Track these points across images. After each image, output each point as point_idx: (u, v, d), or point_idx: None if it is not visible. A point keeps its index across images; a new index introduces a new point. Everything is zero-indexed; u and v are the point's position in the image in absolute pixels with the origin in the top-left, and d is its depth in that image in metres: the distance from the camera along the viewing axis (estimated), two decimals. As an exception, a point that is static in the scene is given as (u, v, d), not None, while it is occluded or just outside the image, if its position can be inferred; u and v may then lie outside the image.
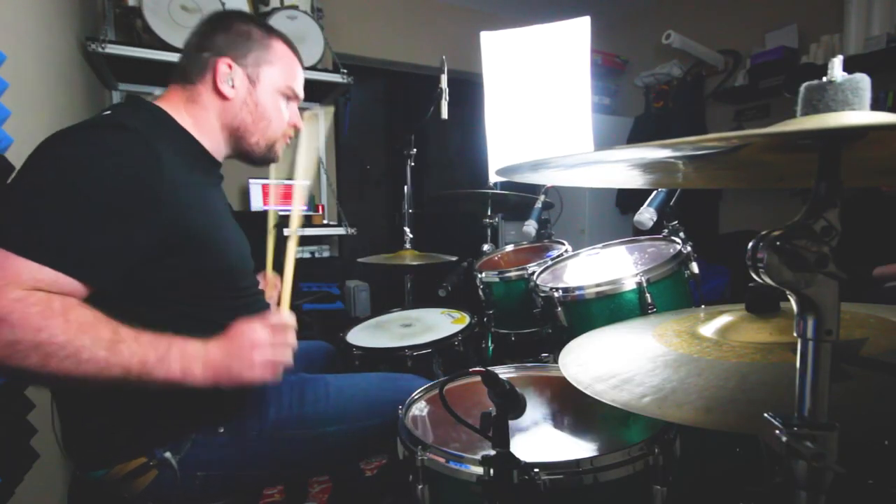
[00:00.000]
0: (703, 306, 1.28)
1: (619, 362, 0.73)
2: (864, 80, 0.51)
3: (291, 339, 0.88)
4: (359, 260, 2.02)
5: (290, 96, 1.07)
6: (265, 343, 0.84)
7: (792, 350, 0.61)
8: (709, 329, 0.76)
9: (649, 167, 0.59)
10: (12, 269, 0.71)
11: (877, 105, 2.71)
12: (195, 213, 0.89)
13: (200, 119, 1.00)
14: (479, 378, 0.69)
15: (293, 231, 1.01)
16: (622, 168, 0.59)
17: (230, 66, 0.99)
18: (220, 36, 1.00)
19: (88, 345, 0.73)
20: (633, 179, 0.68)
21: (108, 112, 0.92)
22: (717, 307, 0.89)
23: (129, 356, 0.76)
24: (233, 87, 1.00)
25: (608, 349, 0.81)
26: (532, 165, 0.54)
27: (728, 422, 0.54)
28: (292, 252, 1.00)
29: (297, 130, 1.12)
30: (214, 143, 1.02)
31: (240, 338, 0.84)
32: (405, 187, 2.15)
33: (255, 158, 1.08)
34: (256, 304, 1.07)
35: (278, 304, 0.98)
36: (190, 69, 1.00)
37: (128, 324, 0.78)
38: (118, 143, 0.82)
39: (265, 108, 1.03)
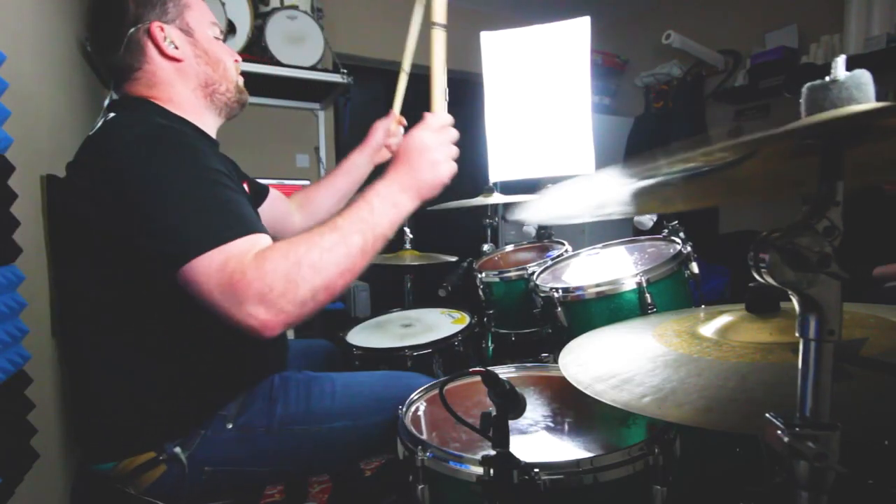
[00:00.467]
0: (703, 306, 1.28)
1: (619, 362, 0.73)
2: (865, 76, 0.51)
3: (454, 133, 0.97)
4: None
5: (218, 35, 1.05)
6: (436, 144, 0.92)
7: (792, 350, 0.61)
8: (709, 329, 0.76)
9: (647, 193, 0.58)
10: (234, 253, 0.77)
11: (877, 105, 2.71)
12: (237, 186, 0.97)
13: (174, 97, 0.99)
14: (479, 378, 0.69)
15: (439, 19, 1.10)
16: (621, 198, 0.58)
17: (162, 28, 0.96)
18: (131, 6, 0.96)
19: (318, 239, 0.81)
20: (634, 207, 0.67)
21: (114, 114, 0.92)
22: (717, 307, 0.88)
23: (351, 224, 0.83)
24: (177, 47, 0.97)
25: (608, 349, 0.81)
26: (539, 207, 0.54)
27: (728, 422, 0.54)
28: (441, 46, 1.09)
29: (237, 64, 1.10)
30: (200, 116, 1.02)
31: (415, 151, 0.91)
32: (405, 187, 2.15)
33: (233, 108, 1.08)
34: None
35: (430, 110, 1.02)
36: (127, 57, 0.97)
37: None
38: (178, 135, 0.88)
39: (214, 51, 1.02)
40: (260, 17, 2.83)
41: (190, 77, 1.00)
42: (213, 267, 0.76)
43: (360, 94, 4.58)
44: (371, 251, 0.84)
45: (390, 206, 0.87)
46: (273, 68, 2.81)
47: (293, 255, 0.78)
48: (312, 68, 2.92)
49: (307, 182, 3.32)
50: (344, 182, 1.51)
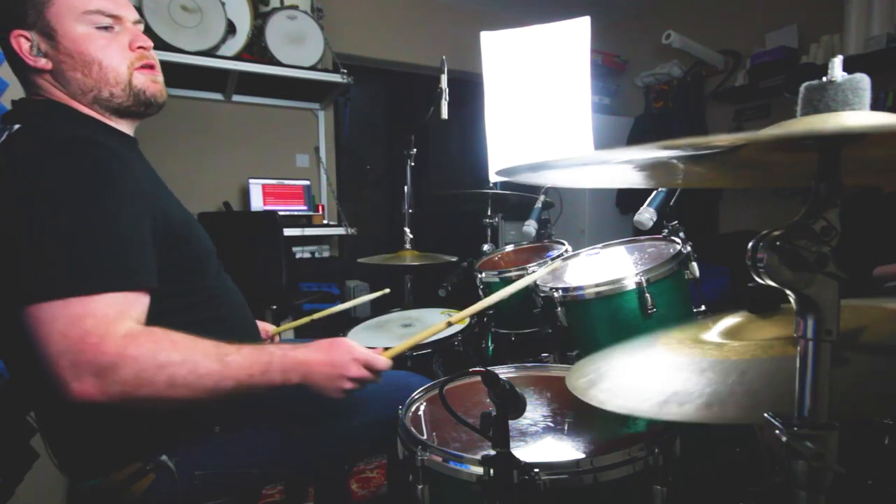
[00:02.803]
0: (703, 306, 1.29)
1: (625, 375, 0.73)
2: (864, 80, 0.51)
3: (373, 380, 0.91)
4: (359, 260, 2.02)
5: (101, 23, 0.88)
6: (357, 378, 0.88)
7: (793, 343, 0.61)
8: (712, 333, 0.76)
9: (649, 168, 0.59)
10: (101, 312, 0.73)
11: (876, 105, 2.71)
12: (159, 195, 0.90)
13: (71, 102, 0.90)
14: (479, 378, 0.69)
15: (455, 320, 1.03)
16: (621, 169, 0.59)
17: (26, 37, 0.85)
18: None
19: (201, 359, 0.77)
20: (633, 180, 0.68)
21: (19, 126, 0.83)
22: (718, 315, 0.88)
23: (238, 368, 0.79)
24: (44, 55, 0.86)
25: (615, 366, 0.80)
26: (531, 167, 0.54)
27: (727, 415, 0.54)
28: (434, 331, 1.01)
29: (145, 49, 0.94)
30: (105, 119, 0.93)
31: (341, 367, 0.87)
32: (405, 187, 2.15)
33: (132, 110, 0.94)
34: (224, 288, 1.05)
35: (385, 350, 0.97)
36: (12, 66, 0.89)
37: None
38: (92, 151, 0.80)
39: (83, 52, 0.87)
40: (260, 17, 2.84)
41: (65, 85, 0.89)
42: (63, 316, 0.71)
43: (360, 94, 4.59)
44: (230, 396, 0.80)
45: (281, 378, 0.83)
46: (273, 68, 2.81)
47: (164, 356, 0.74)
48: (312, 68, 2.93)
49: (307, 182, 3.32)
50: None
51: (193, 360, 0.77)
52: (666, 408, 0.58)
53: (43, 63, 0.87)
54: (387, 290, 1.59)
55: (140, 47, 0.92)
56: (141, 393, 0.73)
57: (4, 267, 0.75)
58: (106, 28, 0.89)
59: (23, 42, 0.86)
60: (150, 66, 0.94)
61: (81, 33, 0.87)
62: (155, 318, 0.82)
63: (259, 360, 0.82)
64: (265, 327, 1.33)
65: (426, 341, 1.41)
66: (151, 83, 0.94)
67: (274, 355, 0.83)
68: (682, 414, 0.57)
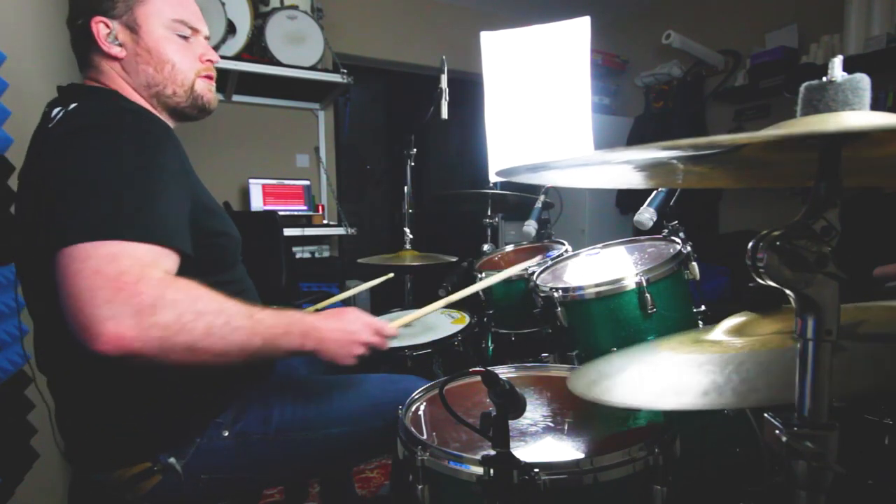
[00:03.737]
0: (703, 306, 1.28)
1: (627, 375, 0.74)
2: (864, 80, 0.51)
3: (385, 346, 0.96)
4: (359, 260, 2.02)
5: (182, 32, 0.98)
6: (368, 342, 0.92)
7: (789, 335, 0.61)
8: (713, 335, 0.77)
9: (649, 168, 0.59)
10: (137, 255, 0.72)
11: (876, 105, 2.71)
12: (195, 182, 0.94)
13: (125, 91, 0.96)
14: (479, 378, 0.69)
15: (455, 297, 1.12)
16: (621, 169, 0.59)
17: (107, 24, 0.92)
18: (79, 0, 0.93)
19: (234, 312, 0.78)
20: (633, 180, 0.68)
21: (76, 104, 0.86)
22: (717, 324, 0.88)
23: (265, 327, 0.81)
24: (120, 44, 0.93)
25: (617, 369, 0.81)
26: (531, 167, 0.54)
27: (722, 401, 0.55)
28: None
29: (212, 63, 1.03)
30: (153, 110, 0.98)
31: (353, 332, 0.90)
32: (405, 187, 2.15)
33: (186, 112, 1.02)
34: (244, 280, 1.07)
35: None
36: (79, 48, 0.95)
37: None
38: (147, 122, 0.85)
39: (161, 51, 0.95)
40: (260, 17, 2.83)
41: (132, 76, 0.95)
42: (99, 254, 0.69)
43: (360, 94, 4.59)
44: (252, 357, 0.80)
45: (299, 342, 0.85)
46: (273, 68, 2.81)
47: (202, 304, 0.74)
48: (312, 68, 2.92)
49: (307, 182, 3.32)
50: None
51: (228, 311, 0.77)
52: (663, 398, 0.59)
53: (117, 51, 0.93)
54: (391, 275, 1.59)
55: (209, 60, 1.02)
56: (178, 340, 0.71)
57: (41, 220, 0.76)
58: (184, 37, 0.98)
59: (101, 28, 0.92)
60: (211, 77, 1.04)
61: (163, 35, 0.95)
62: None
63: (282, 322, 0.83)
64: None
65: (424, 340, 1.42)
66: (208, 91, 1.03)
67: (293, 318, 0.85)
68: (680, 403, 0.58)
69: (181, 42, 0.97)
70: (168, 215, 0.79)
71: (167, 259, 0.76)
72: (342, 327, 0.90)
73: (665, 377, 0.64)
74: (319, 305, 1.44)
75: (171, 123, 1.02)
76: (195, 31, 0.99)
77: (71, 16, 0.95)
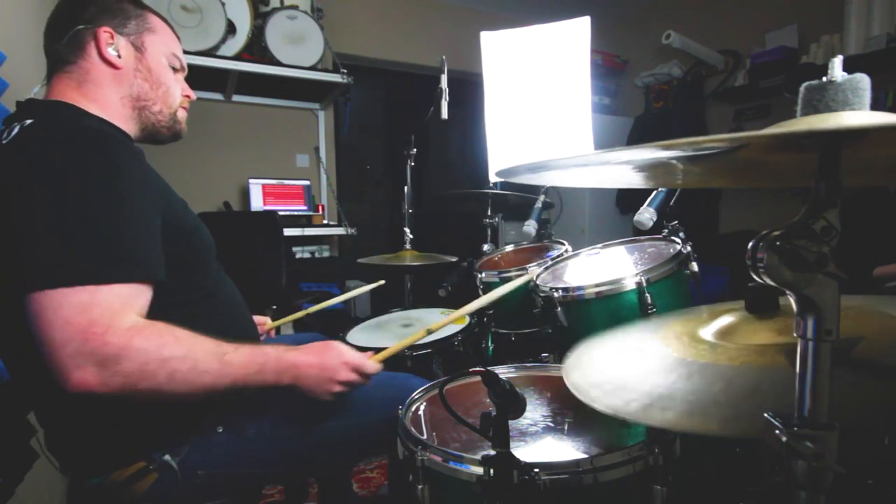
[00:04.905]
0: (703, 306, 1.28)
1: (617, 368, 0.73)
2: (864, 80, 0.51)
3: (362, 383, 0.95)
4: (359, 260, 2.02)
5: (177, 67, 1.07)
6: (347, 382, 0.91)
7: (784, 352, 0.61)
8: (709, 330, 0.76)
9: (649, 168, 0.59)
10: (106, 302, 0.73)
11: (876, 105, 2.71)
12: (163, 192, 0.94)
13: (99, 98, 0.96)
14: (479, 378, 0.69)
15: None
16: (621, 169, 0.59)
17: (112, 35, 0.96)
18: (91, 7, 0.96)
19: (202, 356, 0.79)
20: (633, 180, 0.68)
21: (31, 121, 0.84)
22: (721, 305, 0.88)
23: (236, 368, 0.82)
24: (119, 56, 0.97)
25: (610, 354, 0.81)
26: (531, 167, 0.54)
27: (707, 426, 0.54)
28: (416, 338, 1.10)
29: (189, 100, 1.11)
30: (122, 122, 0.99)
31: (331, 370, 0.90)
32: (405, 187, 2.15)
33: (161, 132, 1.06)
34: (225, 288, 1.07)
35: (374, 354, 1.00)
36: (65, 49, 0.95)
37: None
38: (110, 144, 0.83)
39: (159, 74, 1.02)
40: (260, 17, 2.84)
41: (123, 86, 0.98)
42: (69, 304, 0.71)
43: (360, 94, 4.59)
44: (216, 393, 0.82)
45: (274, 378, 0.86)
46: (273, 68, 2.81)
47: (168, 351, 0.76)
48: (312, 68, 2.92)
49: (307, 182, 3.32)
50: None
51: (195, 356, 0.78)
52: (649, 412, 0.59)
53: (116, 61, 0.97)
54: (382, 282, 1.60)
55: (186, 96, 1.11)
56: (141, 386, 0.74)
57: (10, 257, 0.75)
58: (175, 70, 1.07)
59: (105, 37, 0.95)
60: (186, 109, 1.12)
61: (163, 63, 1.03)
62: (155, 312, 0.82)
63: (255, 361, 0.84)
64: (262, 321, 1.37)
65: (423, 341, 1.42)
66: (183, 121, 1.11)
67: (269, 356, 0.86)
68: (664, 420, 0.57)
69: (173, 76, 1.06)
70: (139, 246, 0.80)
71: (139, 297, 0.78)
72: (321, 364, 0.89)
73: (654, 385, 0.64)
74: (320, 306, 1.44)
75: (137, 140, 1.04)
76: (182, 69, 1.09)
77: (70, 19, 0.95)
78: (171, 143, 1.10)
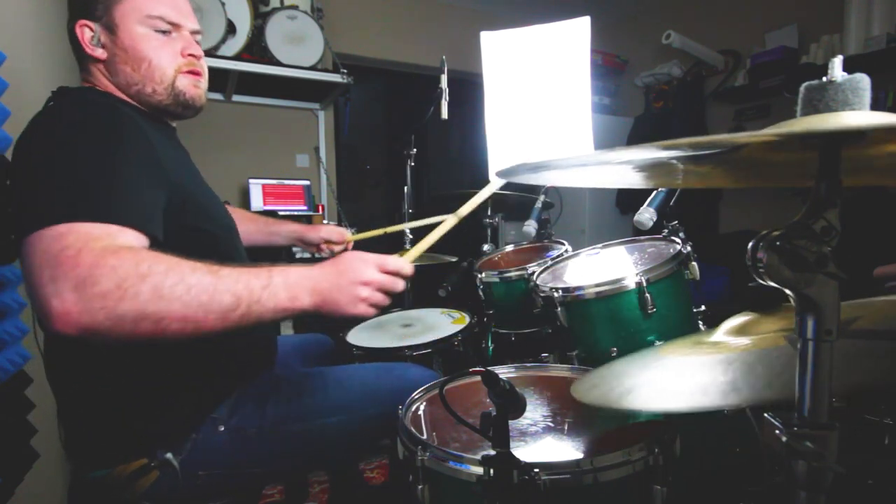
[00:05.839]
0: (703, 306, 1.28)
1: (628, 380, 0.75)
2: (864, 80, 0.51)
3: (399, 285, 0.87)
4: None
5: (160, 28, 0.95)
6: (373, 282, 0.83)
7: (785, 334, 0.61)
8: (713, 337, 0.77)
9: (649, 168, 0.59)
10: (83, 231, 0.70)
11: (877, 105, 2.71)
12: (181, 173, 0.93)
13: (110, 88, 0.97)
14: (479, 378, 0.69)
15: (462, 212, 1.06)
16: (621, 169, 0.59)
17: (90, 27, 0.93)
18: (70, 3, 0.95)
19: (188, 270, 0.72)
20: (633, 180, 0.68)
21: (52, 103, 0.89)
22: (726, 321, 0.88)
23: (234, 281, 0.74)
24: (102, 46, 0.93)
25: (619, 374, 0.81)
26: (531, 167, 0.54)
27: (707, 400, 0.56)
28: (445, 228, 1.04)
29: (195, 58, 1.00)
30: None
31: (349, 271, 0.82)
32: (405, 187, 2.15)
33: (170, 109, 0.99)
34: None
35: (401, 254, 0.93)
36: (74, 51, 0.96)
37: None
38: (108, 111, 0.85)
39: (137, 49, 0.93)
40: (260, 17, 2.83)
41: (114, 77, 0.96)
42: (48, 235, 0.68)
43: (360, 94, 4.59)
44: (235, 321, 0.73)
45: (288, 296, 0.77)
46: (273, 68, 2.81)
47: (146, 266, 0.69)
48: (312, 68, 2.92)
49: (307, 182, 3.32)
50: (259, 238, 1.40)
51: (180, 270, 0.71)
52: (661, 397, 0.61)
53: (99, 53, 0.94)
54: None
55: (190, 55, 0.98)
56: (124, 307, 0.67)
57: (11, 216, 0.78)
58: (164, 32, 0.96)
59: (86, 31, 0.93)
60: (196, 73, 1.00)
61: (140, 33, 0.94)
62: None
63: (257, 274, 0.76)
64: (341, 232, 1.40)
65: (423, 340, 1.42)
66: (192, 87, 0.99)
67: (273, 271, 0.78)
68: (677, 405, 0.59)
69: (160, 38, 0.95)
70: (127, 197, 0.77)
71: (123, 236, 0.73)
72: (335, 269, 0.82)
73: (668, 378, 0.65)
74: (363, 235, 1.46)
75: (170, 122, 1.03)
76: (176, 26, 0.97)
77: (68, 19, 0.96)
78: (195, 115, 1.02)
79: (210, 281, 0.72)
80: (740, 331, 0.75)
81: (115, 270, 0.67)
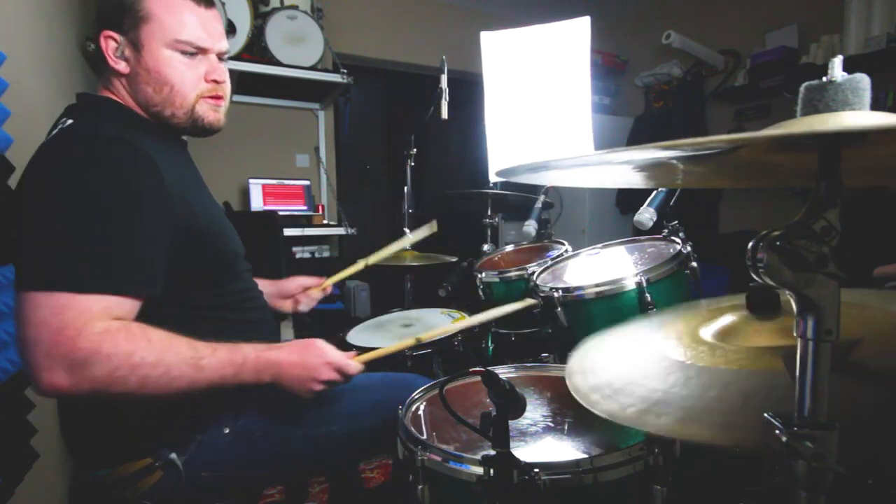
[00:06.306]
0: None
1: (617, 371, 0.73)
2: (864, 80, 0.51)
3: (341, 382, 0.94)
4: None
5: (187, 51, 0.93)
6: (323, 380, 0.90)
7: (782, 355, 0.61)
8: (710, 330, 0.76)
9: (649, 168, 0.59)
10: (83, 307, 0.74)
11: (877, 105, 2.71)
12: (190, 197, 0.92)
13: (129, 102, 0.96)
14: (479, 378, 0.69)
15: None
16: (621, 169, 0.59)
17: (116, 39, 0.91)
18: (98, 11, 0.94)
19: (175, 362, 0.78)
20: (633, 180, 0.68)
21: (71, 121, 0.88)
22: (723, 299, 0.87)
23: (212, 372, 0.81)
24: (126, 60, 0.92)
25: (612, 356, 0.81)
26: (531, 167, 0.54)
27: (702, 434, 0.54)
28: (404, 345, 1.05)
29: (218, 84, 0.98)
30: (153, 127, 0.98)
31: (309, 368, 0.89)
32: (405, 187, 2.15)
33: (188, 132, 1.00)
34: (253, 290, 1.07)
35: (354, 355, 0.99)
36: (98, 59, 0.94)
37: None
38: (119, 153, 0.83)
39: (160, 72, 0.92)
40: (260, 17, 2.83)
41: (134, 93, 0.95)
42: (48, 305, 0.72)
43: (360, 94, 4.59)
44: (194, 393, 0.82)
45: (254, 378, 0.86)
46: (273, 68, 2.81)
47: (138, 358, 0.75)
48: (312, 68, 2.92)
49: (307, 182, 3.32)
50: None
51: (167, 362, 0.78)
52: (645, 418, 0.59)
53: (122, 67, 0.92)
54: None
55: (214, 80, 0.97)
56: (112, 391, 0.75)
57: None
58: (189, 55, 0.94)
59: (110, 43, 0.92)
60: (217, 97, 0.99)
61: (165, 56, 0.92)
62: (186, 319, 0.85)
63: (233, 362, 0.84)
64: (316, 282, 1.39)
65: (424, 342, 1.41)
66: (212, 112, 0.99)
67: (248, 356, 0.85)
68: (658, 427, 0.57)
69: (185, 61, 0.94)
70: (131, 264, 0.79)
71: (121, 307, 0.78)
72: (301, 363, 0.89)
73: (652, 390, 0.64)
74: (333, 280, 1.42)
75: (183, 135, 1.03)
76: (203, 50, 0.95)
77: (95, 27, 0.95)
78: (214, 134, 1.02)
79: (190, 374, 0.80)
80: (735, 334, 0.74)
81: (110, 359, 0.73)
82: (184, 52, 0.93)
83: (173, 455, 0.90)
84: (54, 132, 0.88)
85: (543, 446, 0.83)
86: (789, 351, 0.49)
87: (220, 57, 0.99)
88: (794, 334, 0.48)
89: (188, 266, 0.88)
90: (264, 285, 1.24)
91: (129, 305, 0.80)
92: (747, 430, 0.52)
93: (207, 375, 0.81)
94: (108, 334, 0.74)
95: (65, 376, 0.72)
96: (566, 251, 1.65)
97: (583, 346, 0.84)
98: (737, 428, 0.53)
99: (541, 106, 2.50)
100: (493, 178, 2.50)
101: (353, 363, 0.94)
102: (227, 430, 0.95)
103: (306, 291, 1.36)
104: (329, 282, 1.37)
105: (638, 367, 0.72)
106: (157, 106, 0.95)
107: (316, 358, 0.90)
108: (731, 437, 0.53)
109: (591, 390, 0.69)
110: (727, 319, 0.77)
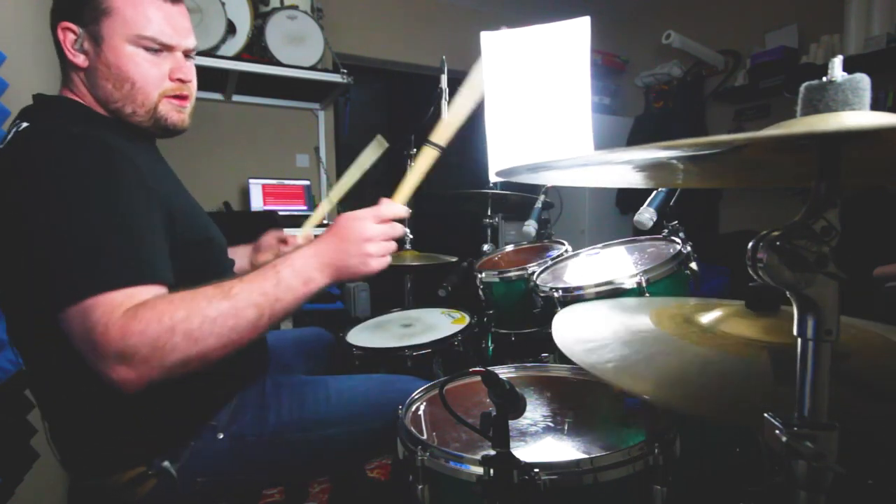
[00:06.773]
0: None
1: (606, 331, 0.74)
2: (864, 80, 0.51)
3: (399, 229, 0.88)
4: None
5: (151, 47, 0.88)
6: (377, 235, 0.84)
7: (770, 350, 0.61)
8: (703, 318, 0.77)
9: (649, 168, 0.59)
10: (106, 303, 0.71)
11: (877, 105, 2.71)
12: (167, 187, 0.90)
13: (91, 102, 0.91)
14: (479, 378, 0.69)
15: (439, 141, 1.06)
16: (621, 169, 0.59)
17: (74, 32, 0.86)
18: (56, 1, 0.88)
19: (205, 305, 0.74)
20: (633, 180, 0.68)
21: (26, 124, 0.83)
22: (720, 301, 0.88)
23: (249, 293, 0.76)
24: (85, 53, 0.87)
25: (603, 318, 0.81)
26: (531, 167, 0.54)
27: (672, 399, 0.56)
28: (427, 161, 1.04)
29: (183, 83, 0.94)
30: (113, 123, 0.92)
31: (350, 234, 0.83)
32: (405, 187, 2.15)
33: (150, 132, 0.94)
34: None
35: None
36: (58, 51, 0.89)
37: None
38: (91, 149, 0.79)
39: (121, 69, 0.87)
40: (260, 17, 2.83)
41: (93, 88, 0.89)
42: (78, 314, 0.71)
43: (360, 94, 4.59)
44: (266, 325, 0.78)
45: (301, 281, 0.80)
46: (273, 68, 2.81)
47: (168, 318, 0.71)
48: (312, 68, 2.92)
49: (307, 182, 3.32)
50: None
51: (199, 309, 0.74)
52: (621, 376, 0.61)
53: (80, 60, 0.88)
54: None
55: (178, 79, 0.92)
56: (172, 359, 0.71)
57: (21, 268, 0.77)
58: (153, 51, 0.89)
59: (68, 35, 0.87)
60: (182, 97, 0.94)
61: (127, 52, 0.87)
62: None
63: (265, 276, 0.79)
64: (282, 236, 1.34)
65: (423, 340, 1.42)
66: (175, 112, 0.94)
67: (278, 266, 0.80)
68: (631, 385, 0.59)
69: (148, 58, 0.89)
70: (140, 254, 0.77)
71: (140, 294, 0.75)
72: (336, 236, 0.83)
73: (635, 350, 0.65)
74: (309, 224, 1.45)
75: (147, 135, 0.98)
76: (168, 47, 0.91)
77: (51, 17, 0.90)
78: (177, 136, 0.97)
79: (228, 305, 0.75)
80: (728, 324, 0.74)
81: (144, 334, 0.70)
82: (147, 49, 0.88)
83: (166, 463, 0.88)
84: (9, 136, 0.83)
85: (543, 446, 0.83)
86: (779, 352, 0.50)
87: (186, 55, 0.95)
88: (795, 334, 0.48)
89: (175, 258, 0.85)
90: (243, 252, 1.24)
91: (149, 291, 0.76)
92: (714, 404, 0.54)
93: (246, 300, 0.75)
94: (129, 316, 0.71)
95: (125, 370, 0.70)
96: (566, 251, 1.65)
97: (574, 307, 0.84)
98: (704, 401, 0.55)
99: (541, 106, 2.50)
100: (493, 178, 2.50)
101: (391, 203, 0.88)
102: (221, 436, 0.93)
103: (285, 243, 1.33)
104: (305, 229, 1.35)
105: (625, 332, 0.73)
106: (116, 103, 0.89)
107: (346, 223, 0.84)
108: (698, 407, 0.55)
109: (576, 341, 0.69)
110: (724, 310, 0.78)
